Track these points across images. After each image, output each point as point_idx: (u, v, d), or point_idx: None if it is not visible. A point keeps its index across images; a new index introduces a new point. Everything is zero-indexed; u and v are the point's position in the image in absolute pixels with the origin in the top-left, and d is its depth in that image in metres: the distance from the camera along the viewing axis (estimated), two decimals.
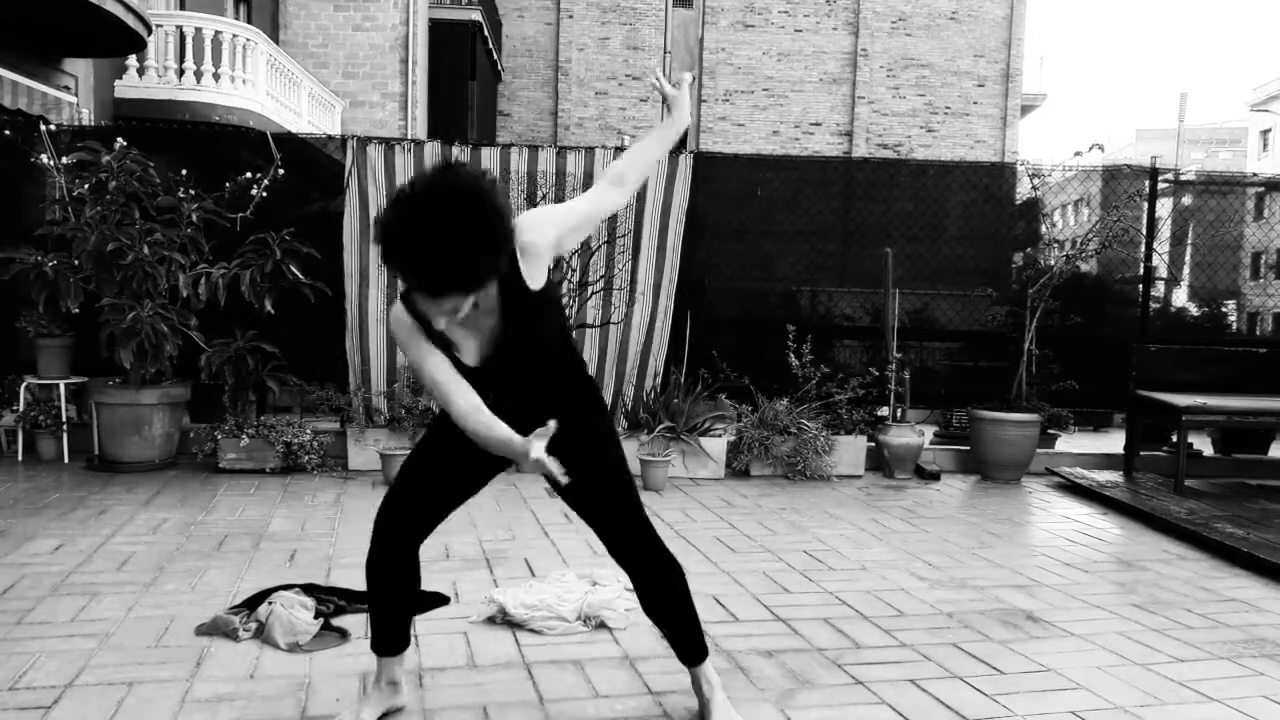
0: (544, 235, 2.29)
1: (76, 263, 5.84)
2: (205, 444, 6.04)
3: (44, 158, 6.12)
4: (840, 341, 7.31)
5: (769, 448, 6.31)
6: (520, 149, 6.49)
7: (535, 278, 2.29)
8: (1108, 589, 4.10)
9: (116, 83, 12.05)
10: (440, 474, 2.53)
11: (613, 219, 6.50)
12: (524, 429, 2.26)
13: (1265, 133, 42.95)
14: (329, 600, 3.39)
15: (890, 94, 23.99)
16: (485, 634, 3.27)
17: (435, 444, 2.55)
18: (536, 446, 2.19)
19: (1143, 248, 7.25)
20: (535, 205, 6.11)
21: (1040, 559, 4.56)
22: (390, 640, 2.60)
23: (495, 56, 21.83)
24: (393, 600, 2.57)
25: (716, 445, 6.28)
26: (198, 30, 12.46)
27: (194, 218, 6.05)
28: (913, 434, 6.55)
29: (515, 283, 2.26)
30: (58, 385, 6.18)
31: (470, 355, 2.34)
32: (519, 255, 2.24)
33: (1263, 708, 2.89)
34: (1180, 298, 8.65)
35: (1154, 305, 7.48)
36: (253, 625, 3.21)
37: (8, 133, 6.35)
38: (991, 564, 4.44)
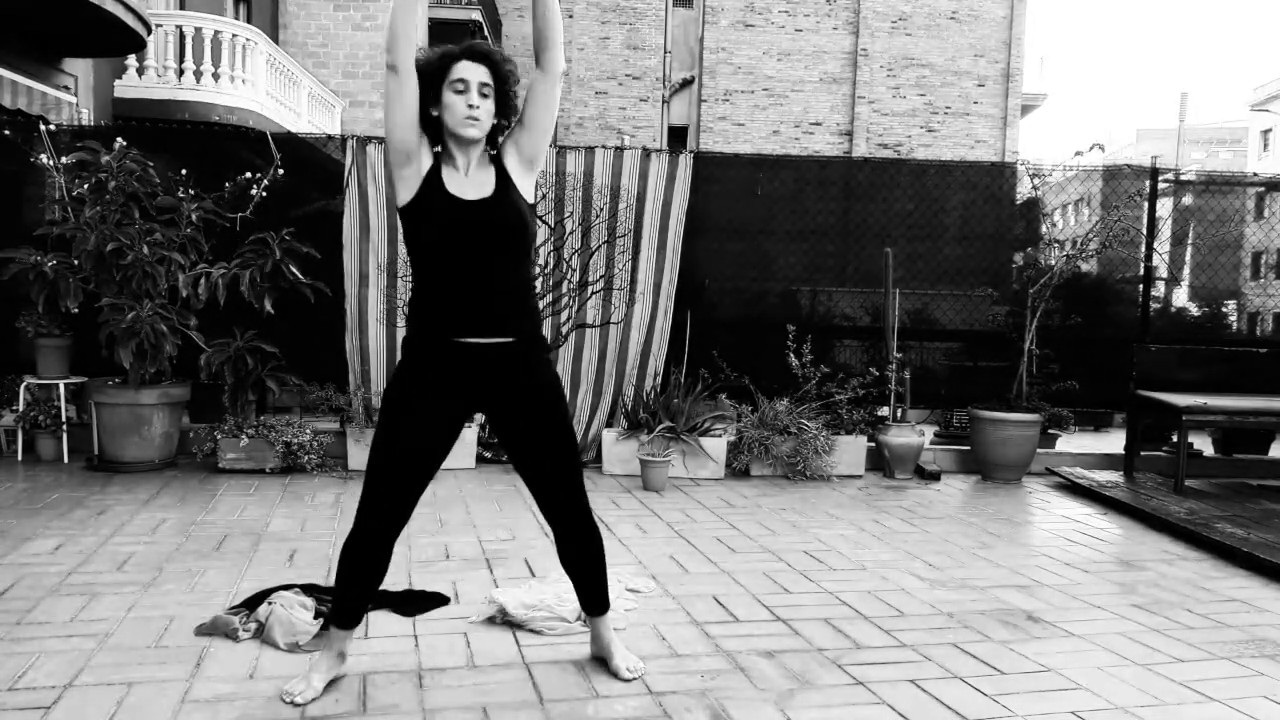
0: (512, 153, 2.78)
1: (76, 263, 5.83)
2: (205, 444, 6.04)
3: (44, 158, 6.12)
4: (840, 341, 7.31)
5: (769, 448, 6.31)
6: None
7: (522, 187, 2.77)
8: (1108, 589, 4.10)
9: (116, 82, 12.04)
10: (411, 458, 2.70)
11: (613, 219, 6.50)
12: (475, 310, 2.64)
13: (1266, 133, 42.93)
14: (329, 600, 3.38)
15: (890, 94, 23.98)
16: (485, 634, 3.27)
17: (397, 431, 2.70)
18: None
19: (1143, 248, 7.24)
20: (535, 205, 6.10)
21: (1040, 559, 4.56)
22: (352, 618, 2.81)
23: None
24: (365, 584, 2.76)
25: (716, 445, 6.27)
26: (197, 30, 12.45)
27: (194, 218, 6.05)
28: (913, 434, 6.55)
29: (505, 167, 2.75)
30: (57, 385, 6.18)
31: (459, 190, 2.67)
32: (507, 164, 2.76)
33: (1263, 708, 2.89)
34: (1180, 298, 8.64)
35: (1154, 305, 7.47)
36: (252, 625, 3.21)
37: (8, 133, 6.35)
38: (992, 564, 4.44)
